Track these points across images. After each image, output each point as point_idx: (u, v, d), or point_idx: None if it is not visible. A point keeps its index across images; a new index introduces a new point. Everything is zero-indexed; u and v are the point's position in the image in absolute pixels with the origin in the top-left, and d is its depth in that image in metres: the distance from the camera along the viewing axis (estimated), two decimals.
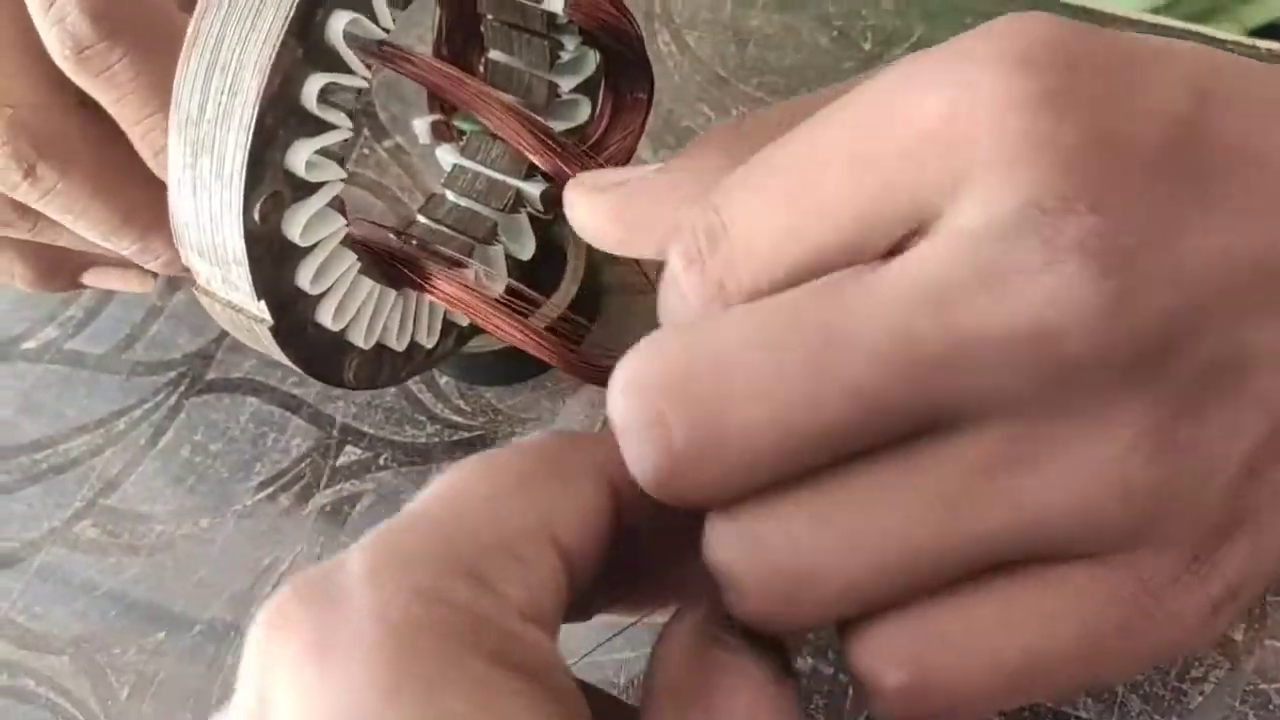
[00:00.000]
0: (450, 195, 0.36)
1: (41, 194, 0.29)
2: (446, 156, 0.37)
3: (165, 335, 0.43)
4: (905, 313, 0.21)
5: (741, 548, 0.22)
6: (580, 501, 0.22)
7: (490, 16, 0.35)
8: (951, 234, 0.21)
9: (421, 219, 0.36)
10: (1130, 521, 0.22)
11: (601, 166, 0.31)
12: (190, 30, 0.26)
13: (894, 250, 0.22)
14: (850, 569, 0.22)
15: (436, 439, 0.39)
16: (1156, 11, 0.58)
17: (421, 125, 0.37)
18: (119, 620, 0.38)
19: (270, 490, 0.39)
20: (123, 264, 0.34)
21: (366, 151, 0.45)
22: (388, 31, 0.27)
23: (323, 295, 0.30)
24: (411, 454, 0.39)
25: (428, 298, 0.34)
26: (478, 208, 0.36)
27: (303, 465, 0.39)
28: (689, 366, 0.21)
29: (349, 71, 0.27)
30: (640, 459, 0.22)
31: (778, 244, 0.22)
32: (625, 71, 0.35)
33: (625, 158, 0.37)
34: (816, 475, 0.22)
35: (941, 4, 0.44)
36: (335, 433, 0.40)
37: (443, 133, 0.38)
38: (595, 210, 0.27)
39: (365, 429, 0.39)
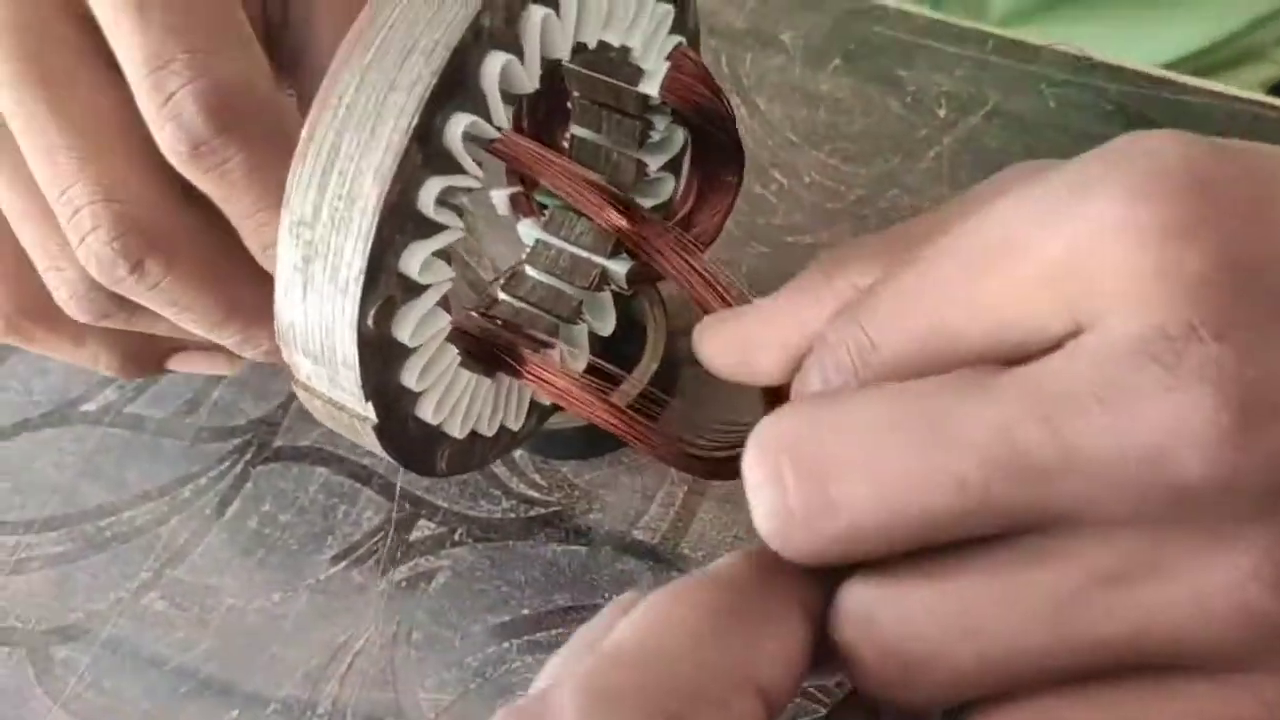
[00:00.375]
0: (532, 272, 0.36)
1: (148, 288, 0.28)
2: (528, 232, 0.37)
3: (229, 401, 0.43)
4: (1016, 417, 0.21)
5: (860, 627, 0.23)
6: (783, 643, 0.23)
7: (579, 95, 0.35)
8: (1077, 351, 0.21)
9: (504, 297, 0.36)
10: (1250, 645, 0.22)
11: (692, 243, 0.31)
12: (304, 132, 0.26)
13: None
14: (960, 658, 0.22)
15: (513, 514, 0.38)
16: (1191, 57, 0.58)
17: (500, 198, 0.37)
18: (190, 697, 0.37)
19: (343, 565, 0.38)
20: (210, 348, 0.34)
21: None
22: (500, 130, 0.27)
23: (425, 392, 0.29)
24: (488, 530, 0.38)
25: (517, 382, 0.33)
26: (562, 286, 0.35)
27: (375, 540, 0.39)
28: (811, 433, 0.23)
29: (464, 173, 0.27)
30: (760, 515, 0.23)
31: (918, 361, 0.23)
32: (715, 152, 0.35)
33: (712, 236, 0.36)
34: (935, 557, 0.23)
35: (1015, 71, 0.43)
36: (408, 506, 0.39)
37: (522, 206, 0.37)
38: (715, 343, 0.27)
39: (439, 503, 0.39)
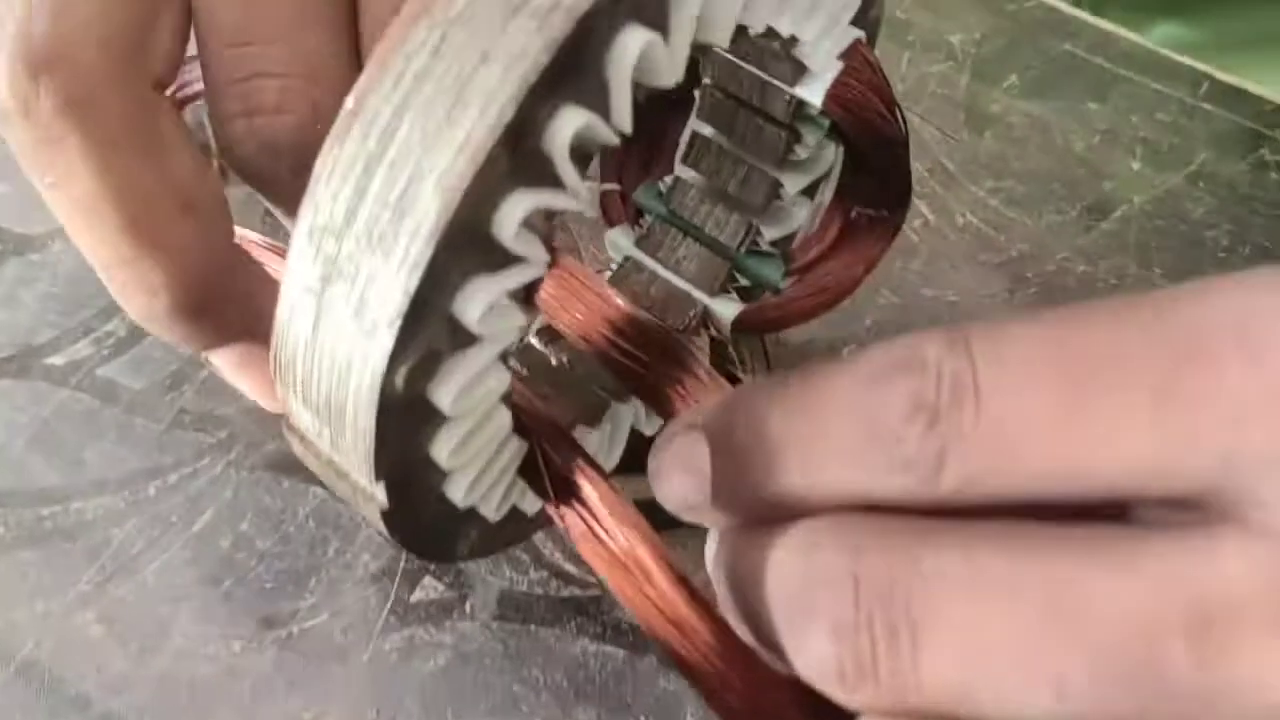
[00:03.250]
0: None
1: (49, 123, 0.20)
2: (619, 240, 0.29)
3: (219, 382, 0.35)
4: (1158, 617, 0.16)
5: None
6: None
7: (710, 83, 0.27)
8: (1257, 544, 0.16)
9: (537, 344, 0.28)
10: None
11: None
12: (349, 102, 0.18)
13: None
14: None
15: (540, 590, 0.31)
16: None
17: (585, 194, 0.29)
18: None
19: (323, 618, 0.31)
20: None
21: None
22: (622, 137, 0.19)
23: (458, 470, 0.21)
24: (506, 605, 0.31)
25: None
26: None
27: (369, 593, 0.31)
28: (902, 574, 0.17)
29: (562, 188, 0.19)
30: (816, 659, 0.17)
31: (1037, 450, 0.16)
32: (873, 184, 0.27)
33: (848, 290, 0.28)
34: None
35: (1232, 125, 0.35)
36: (414, 557, 0.31)
37: (616, 209, 0.30)
38: None
39: None
